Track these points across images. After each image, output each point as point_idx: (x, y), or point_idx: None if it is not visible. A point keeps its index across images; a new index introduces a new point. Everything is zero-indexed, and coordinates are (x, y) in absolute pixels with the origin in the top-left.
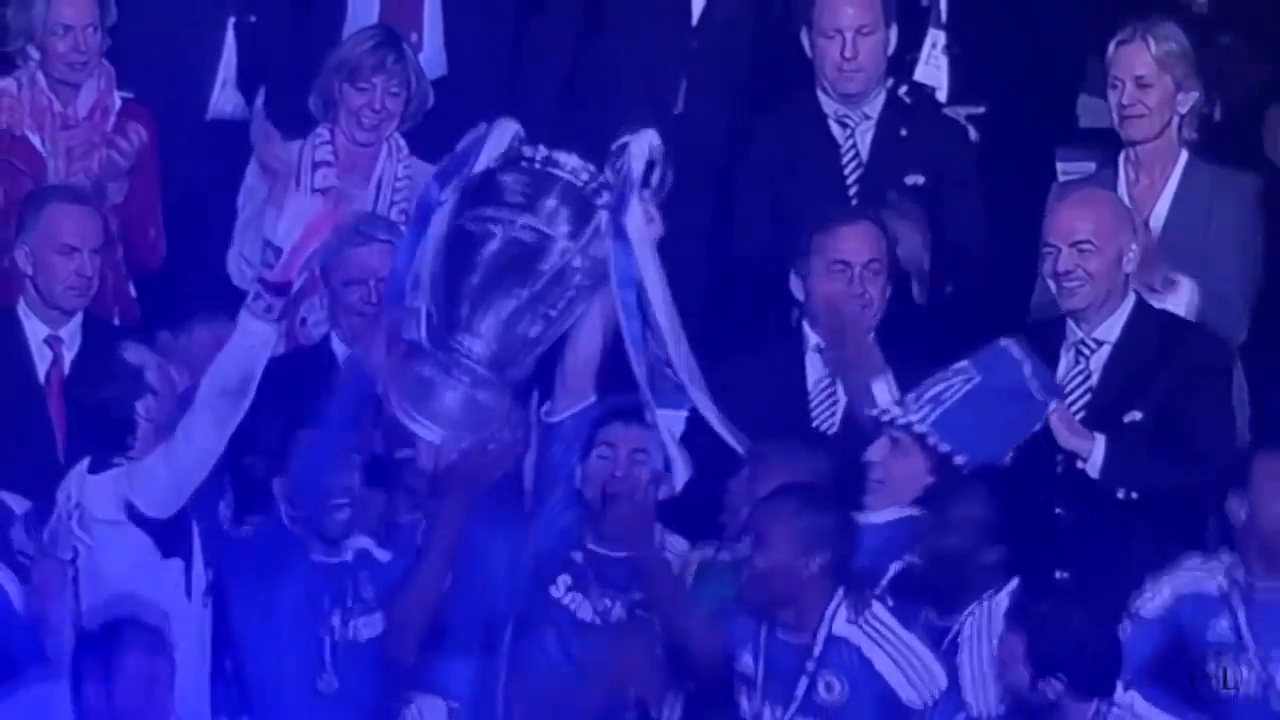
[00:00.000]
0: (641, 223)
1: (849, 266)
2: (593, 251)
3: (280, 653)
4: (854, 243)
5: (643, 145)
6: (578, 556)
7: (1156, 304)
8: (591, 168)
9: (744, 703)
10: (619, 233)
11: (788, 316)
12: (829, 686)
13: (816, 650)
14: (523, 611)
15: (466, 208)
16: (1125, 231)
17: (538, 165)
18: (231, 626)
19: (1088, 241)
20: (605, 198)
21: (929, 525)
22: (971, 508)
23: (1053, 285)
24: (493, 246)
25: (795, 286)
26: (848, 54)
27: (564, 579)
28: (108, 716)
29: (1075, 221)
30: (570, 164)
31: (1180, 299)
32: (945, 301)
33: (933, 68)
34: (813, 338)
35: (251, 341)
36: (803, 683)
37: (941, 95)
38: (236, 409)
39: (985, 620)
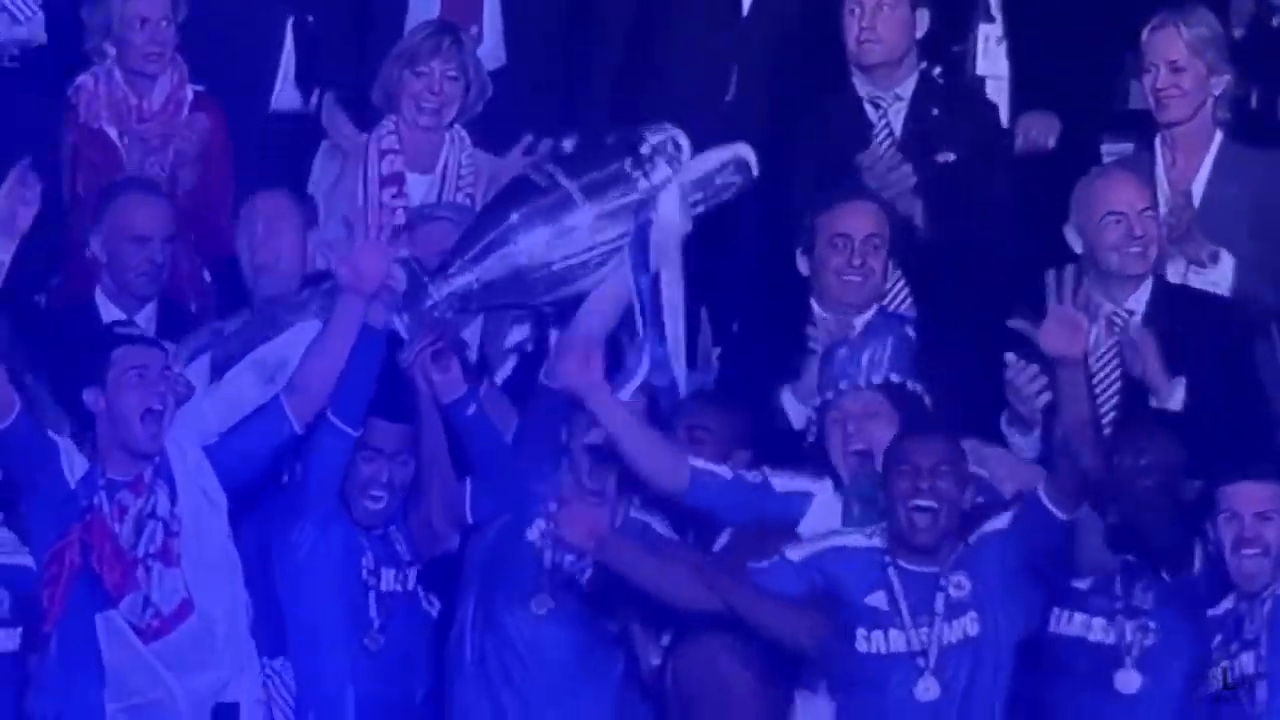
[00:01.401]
0: (677, 213)
1: (849, 240)
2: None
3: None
4: (854, 219)
5: (723, 153)
6: (553, 507)
7: (1200, 278)
8: (665, 169)
9: (867, 638)
10: (647, 216)
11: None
12: (959, 585)
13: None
14: (502, 549)
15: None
16: (1150, 205)
17: (622, 145)
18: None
19: (1149, 209)
20: (657, 183)
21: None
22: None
23: (1114, 256)
24: (537, 196)
25: (801, 263)
26: (865, 24)
27: (539, 524)
28: None
29: (1104, 193)
30: (657, 162)
31: (1223, 272)
32: (970, 274)
33: (992, 60)
34: (818, 311)
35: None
36: (940, 598)
37: (1004, 85)
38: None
39: None
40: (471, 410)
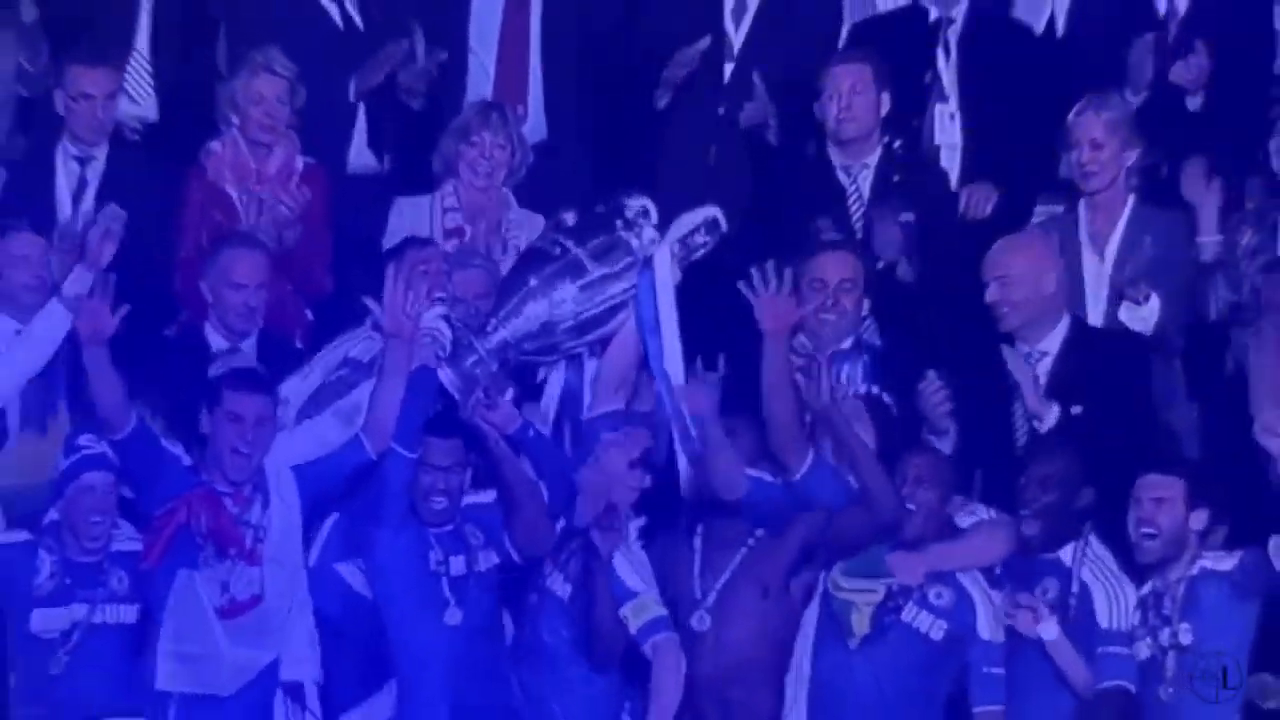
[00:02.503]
0: (669, 267)
1: (825, 285)
2: (617, 286)
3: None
4: (829, 265)
5: (697, 215)
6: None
7: (1135, 313)
8: (651, 231)
9: None
10: (648, 271)
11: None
12: (939, 595)
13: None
14: None
15: (550, 231)
16: (1047, 265)
17: (611, 213)
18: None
19: (1006, 276)
20: (648, 245)
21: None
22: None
23: (998, 310)
24: (552, 263)
25: None
26: (843, 105)
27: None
28: None
29: (998, 260)
30: (644, 227)
31: (1152, 309)
32: (929, 314)
33: (946, 133)
34: (799, 343)
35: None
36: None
37: (956, 153)
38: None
39: None
40: (531, 433)
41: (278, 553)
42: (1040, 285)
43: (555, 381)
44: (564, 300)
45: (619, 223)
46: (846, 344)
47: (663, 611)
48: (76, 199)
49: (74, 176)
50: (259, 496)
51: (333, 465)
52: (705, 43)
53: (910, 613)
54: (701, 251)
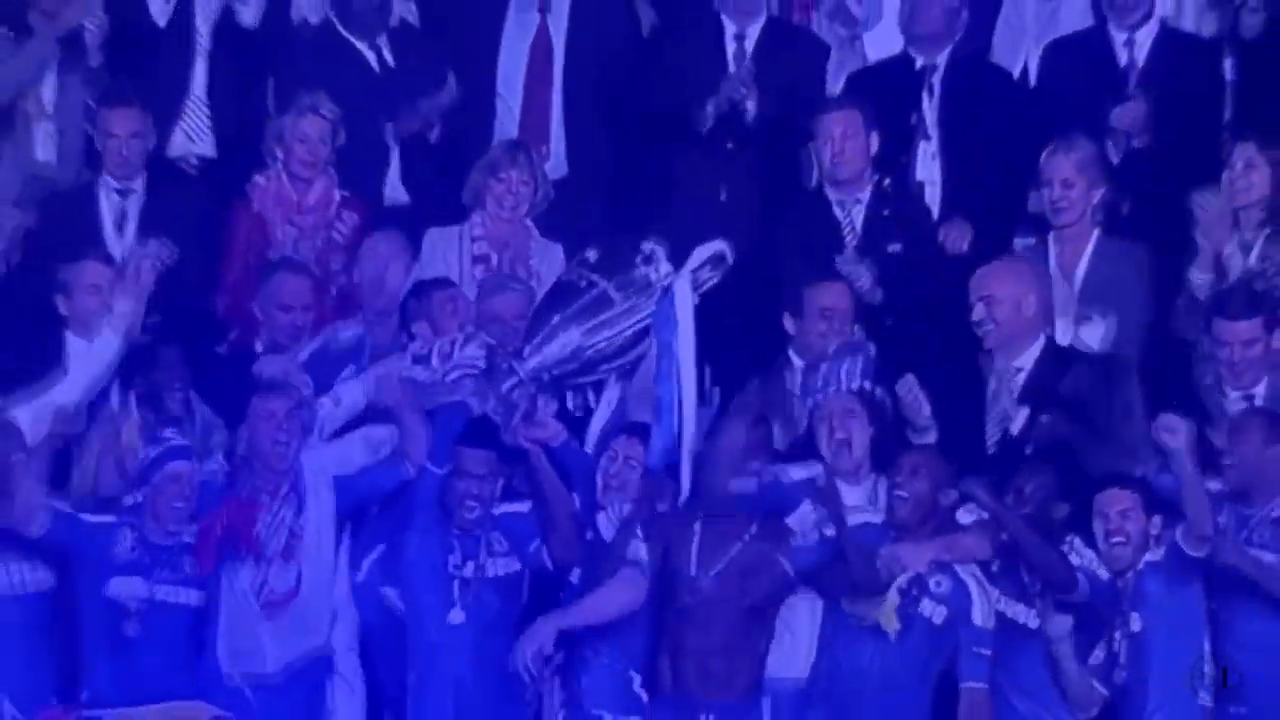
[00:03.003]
0: (688, 296)
1: (831, 310)
2: (640, 315)
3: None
4: (832, 295)
5: (707, 249)
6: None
7: (1084, 334)
8: (666, 265)
9: None
10: (668, 300)
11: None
12: (939, 583)
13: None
14: None
15: (576, 266)
16: (1028, 289)
17: (629, 249)
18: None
19: (991, 297)
20: (665, 277)
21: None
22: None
23: (978, 330)
24: (581, 295)
25: (788, 323)
26: (836, 149)
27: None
28: None
29: (985, 283)
30: (659, 263)
31: (1098, 331)
32: (909, 332)
33: (928, 170)
34: (797, 361)
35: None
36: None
37: (937, 189)
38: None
39: None
40: (570, 445)
41: (313, 550)
42: (1022, 307)
43: (605, 402)
44: (593, 329)
45: (637, 258)
46: (839, 344)
47: (637, 555)
48: (119, 229)
49: (115, 208)
50: (295, 499)
51: (373, 480)
52: (725, 103)
53: (922, 603)
54: (710, 283)
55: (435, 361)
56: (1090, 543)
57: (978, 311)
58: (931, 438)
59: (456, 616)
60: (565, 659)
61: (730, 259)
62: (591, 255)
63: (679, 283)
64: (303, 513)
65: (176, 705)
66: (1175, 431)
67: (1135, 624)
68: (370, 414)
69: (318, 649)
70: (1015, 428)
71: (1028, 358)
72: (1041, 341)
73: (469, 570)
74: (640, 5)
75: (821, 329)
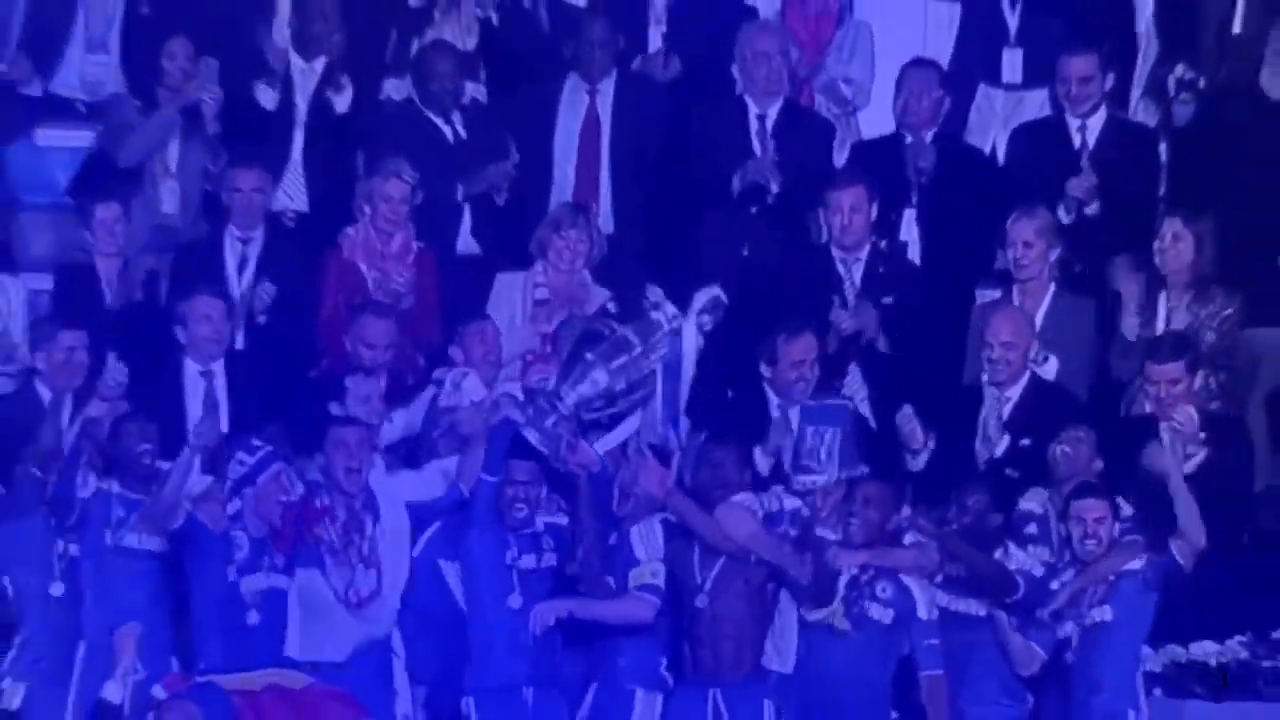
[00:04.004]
0: (693, 337)
1: (803, 361)
2: (655, 355)
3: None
4: (801, 348)
5: (704, 294)
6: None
7: (1038, 372)
8: (671, 309)
9: None
10: (679, 341)
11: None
12: (884, 589)
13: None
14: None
15: (600, 315)
16: (1029, 334)
17: (640, 298)
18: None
19: (1009, 343)
20: (674, 323)
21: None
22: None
23: (987, 366)
24: (605, 341)
25: (765, 370)
26: (845, 223)
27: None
28: None
29: (1000, 330)
30: (665, 307)
31: (1051, 369)
32: (899, 366)
33: (912, 231)
34: (773, 398)
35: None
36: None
37: (918, 247)
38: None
39: None
40: (598, 470)
41: (390, 558)
42: (1025, 347)
43: (627, 427)
44: (617, 369)
45: (647, 305)
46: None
47: (656, 581)
48: (240, 270)
49: (238, 254)
50: (370, 515)
51: (436, 502)
52: (751, 177)
53: (868, 607)
54: (709, 325)
55: (448, 388)
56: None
57: (995, 350)
58: (924, 461)
59: (515, 601)
60: (606, 644)
61: (725, 301)
62: (611, 306)
63: (686, 326)
64: (378, 524)
65: (277, 672)
66: (1162, 458)
67: (1105, 614)
68: (425, 437)
69: (384, 637)
70: (999, 450)
71: (1016, 390)
72: (1027, 376)
73: (525, 562)
74: (674, 87)
75: (792, 376)
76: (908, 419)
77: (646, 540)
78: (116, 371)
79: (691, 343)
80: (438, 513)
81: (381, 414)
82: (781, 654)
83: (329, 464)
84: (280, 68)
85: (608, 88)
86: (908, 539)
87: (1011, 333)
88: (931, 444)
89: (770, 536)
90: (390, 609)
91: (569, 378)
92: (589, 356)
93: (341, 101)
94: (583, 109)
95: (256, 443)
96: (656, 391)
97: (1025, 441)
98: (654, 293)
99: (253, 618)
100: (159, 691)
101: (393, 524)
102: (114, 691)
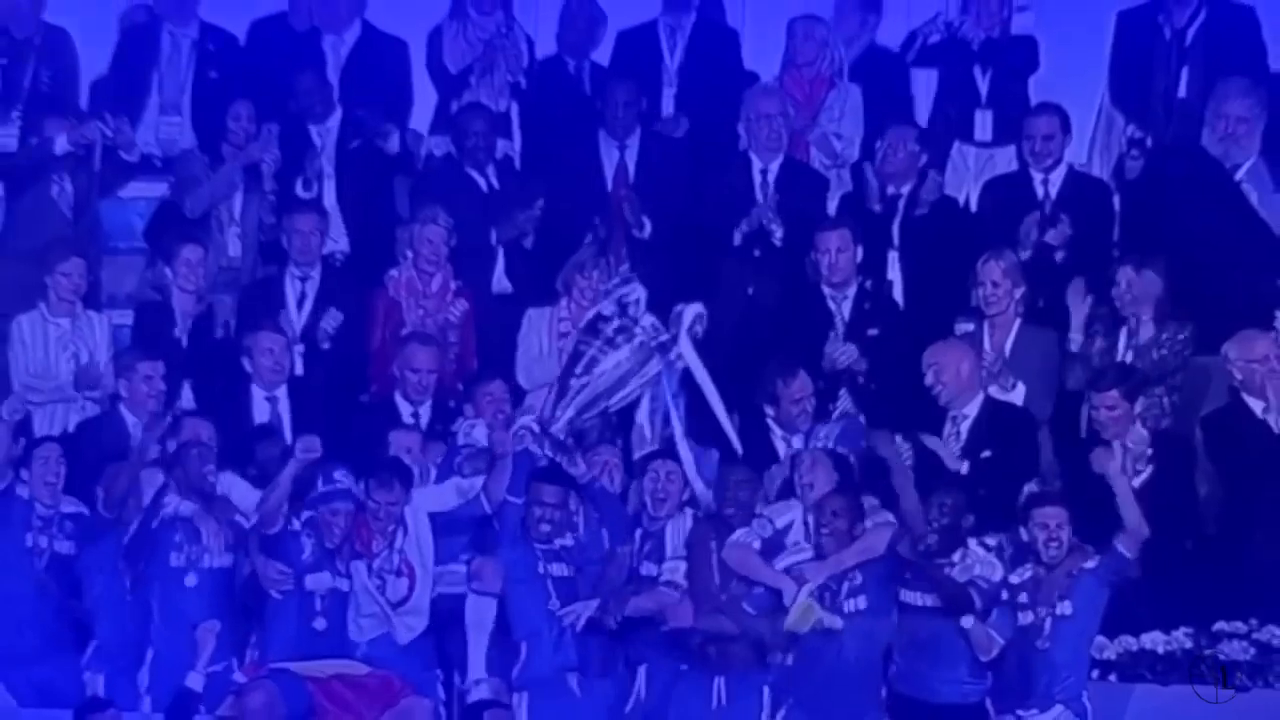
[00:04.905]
0: (689, 348)
1: (803, 398)
2: (646, 370)
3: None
4: (798, 387)
5: (691, 310)
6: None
7: (1004, 396)
8: (657, 323)
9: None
10: (671, 353)
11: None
12: (852, 577)
13: None
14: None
15: (584, 334)
16: (964, 359)
17: (632, 319)
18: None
19: (938, 365)
20: (647, 326)
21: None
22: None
23: (931, 390)
24: (584, 358)
25: (768, 410)
26: (833, 262)
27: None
28: None
29: (934, 356)
30: (646, 320)
31: (1019, 393)
32: (879, 388)
33: (895, 271)
34: (777, 430)
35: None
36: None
37: (899, 284)
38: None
39: None
40: (597, 486)
41: (418, 568)
42: (960, 371)
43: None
44: (600, 376)
45: (615, 309)
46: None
47: (677, 577)
48: (300, 305)
49: (297, 290)
50: (401, 529)
51: (459, 515)
52: (755, 223)
53: (844, 603)
54: (701, 333)
55: (460, 438)
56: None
57: (930, 377)
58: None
59: (554, 605)
60: (638, 637)
61: (706, 316)
62: (584, 324)
63: (683, 339)
64: (407, 536)
65: (341, 662)
66: (1108, 461)
67: (1066, 609)
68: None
69: (421, 630)
70: (965, 467)
71: (971, 408)
72: (981, 397)
73: (556, 570)
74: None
75: (794, 411)
76: (885, 440)
77: (678, 535)
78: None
79: (693, 354)
80: (456, 525)
81: (421, 464)
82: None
83: (370, 496)
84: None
85: (634, 143)
86: (867, 524)
87: (940, 358)
88: (909, 459)
89: (768, 567)
90: (423, 608)
91: (564, 396)
92: (579, 371)
93: (394, 142)
94: (613, 163)
95: (338, 476)
96: (645, 401)
97: (986, 454)
98: (632, 294)
99: (319, 624)
100: (240, 677)
101: (418, 535)
102: (196, 681)
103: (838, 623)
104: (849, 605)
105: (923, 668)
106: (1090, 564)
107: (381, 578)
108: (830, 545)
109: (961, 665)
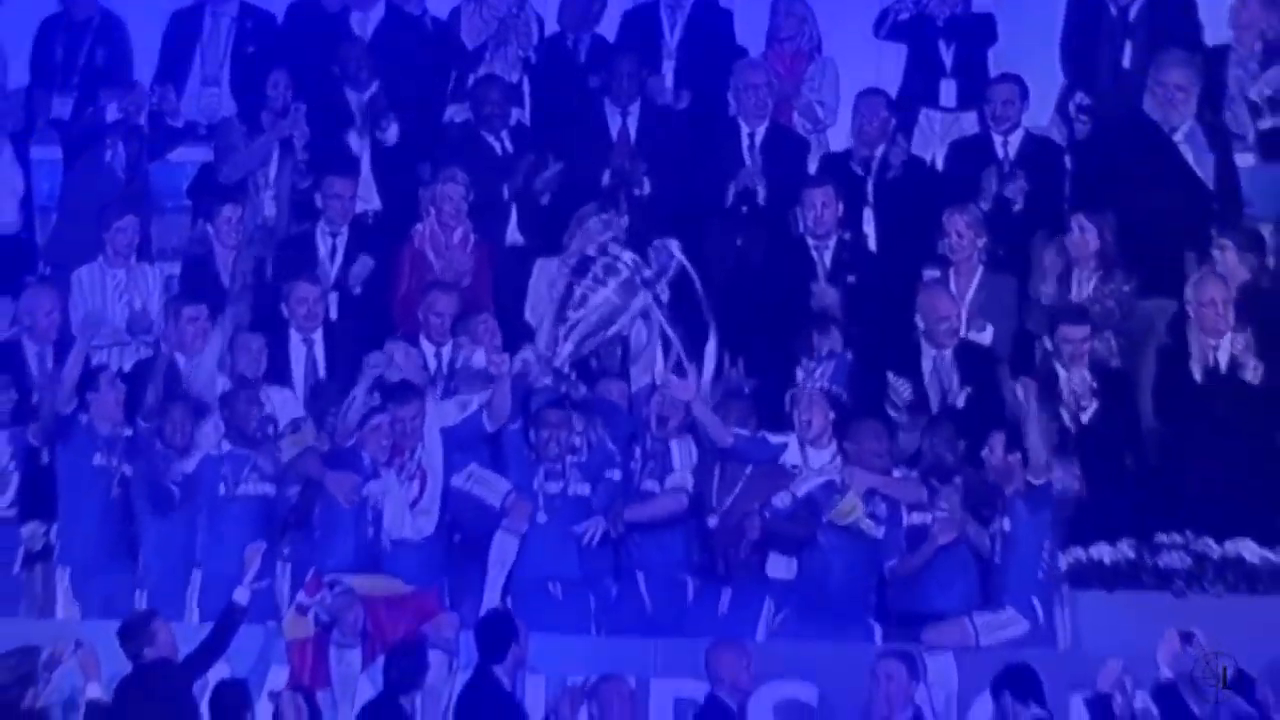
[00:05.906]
0: (693, 274)
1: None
2: (633, 304)
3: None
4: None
5: (673, 242)
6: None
7: (975, 337)
8: (637, 258)
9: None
10: (656, 286)
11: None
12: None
13: None
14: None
15: (574, 274)
16: (956, 305)
17: (613, 256)
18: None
19: (955, 314)
20: (628, 260)
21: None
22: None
23: (945, 337)
24: (587, 299)
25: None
26: (818, 215)
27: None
28: None
29: (948, 306)
30: (626, 256)
31: (986, 335)
32: (861, 334)
33: (870, 225)
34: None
35: None
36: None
37: (873, 235)
38: None
39: None
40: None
41: (429, 473)
42: (950, 316)
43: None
44: (593, 311)
45: (596, 250)
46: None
47: (685, 484)
48: (331, 258)
49: (328, 245)
50: (420, 444)
51: (467, 428)
52: (743, 184)
53: (866, 524)
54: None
55: (461, 361)
56: None
57: (951, 324)
58: (906, 413)
59: (541, 518)
60: (639, 548)
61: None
62: (571, 262)
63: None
64: (423, 447)
65: (386, 580)
66: (1026, 389)
67: (1006, 525)
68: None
69: (433, 528)
70: (952, 397)
71: (950, 350)
72: (957, 340)
73: (550, 488)
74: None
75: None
76: (898, 381)
77: (682, 453)
78: (253, 340)
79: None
80: (464, 439)
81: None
82: (786, 565)
83: (394, 414)
84: (356, 104)
85: (635, 110)
86: (896, 474)
87: (953, 310)
88: (908, 394)
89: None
90: (433, 513)
91: (561, 327)
92: (574, 306)
93: (392, 132)
94: (616, 127)
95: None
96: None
97: (967, 389)
98: (613, 247)
99: (370, 531)
100: (301, 597)
101: (431, 446)
102: (243, 595)
103: (877, 531)
104: (869, 529)
105: (921, 583)
106: (1020, 486)
107: (400, 482)
108: (855, 459)
109: (957, 584)
